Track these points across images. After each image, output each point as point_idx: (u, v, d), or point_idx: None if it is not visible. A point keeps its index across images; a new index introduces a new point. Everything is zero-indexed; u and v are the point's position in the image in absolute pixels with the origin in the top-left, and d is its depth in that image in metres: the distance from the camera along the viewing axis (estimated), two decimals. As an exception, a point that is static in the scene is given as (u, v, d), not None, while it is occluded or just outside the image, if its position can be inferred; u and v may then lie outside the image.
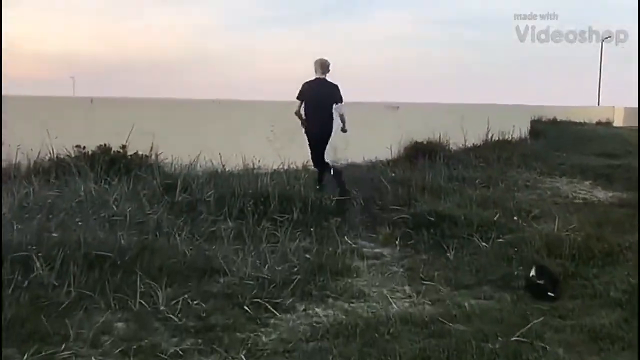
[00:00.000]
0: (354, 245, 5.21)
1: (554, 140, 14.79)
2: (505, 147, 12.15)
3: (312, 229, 5.44)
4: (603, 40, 36.93)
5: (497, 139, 12.65)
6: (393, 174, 8.28)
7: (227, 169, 7.78)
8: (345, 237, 5.35)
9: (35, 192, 5.66)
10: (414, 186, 7.36)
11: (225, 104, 8.44)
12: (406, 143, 10.10)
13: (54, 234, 4.55)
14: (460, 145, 11.25)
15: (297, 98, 7.15)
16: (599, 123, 25.37)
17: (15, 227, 4.55)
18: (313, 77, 7.18)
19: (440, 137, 10.50)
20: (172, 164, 7.43)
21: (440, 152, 9.94)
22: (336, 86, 7.15)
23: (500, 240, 5.37)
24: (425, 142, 10.22)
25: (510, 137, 13.33)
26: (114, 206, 5.36)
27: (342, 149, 9.23)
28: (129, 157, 7.27)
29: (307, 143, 7.34)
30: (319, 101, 7.06)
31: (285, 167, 8.46)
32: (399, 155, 9.89)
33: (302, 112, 7.14)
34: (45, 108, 7.45)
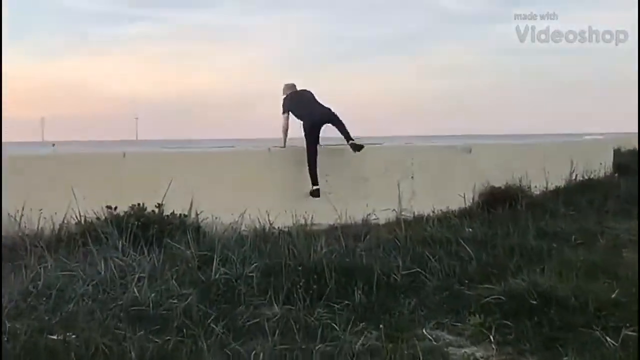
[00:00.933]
0: (435, 343, 4.00)
1: (646, 176, 13.08)
2: (592, 187, 10.64)
3: (380, 316, 4.30)
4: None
5: (581, 177, 11.17)
6: (470, 230, 7.03)
7: (276, 228, 6.79)
8: (424, 330, 4.17)
9: (48, 271, 4.77)
10: (499, 248, 6.11)
11: (277, 153, 7.46)
12: (481, 188, 8.83)
13: (53, 336, 3.61)
14: (542, 188, 9.85)
15: (284, 112, 7.84)
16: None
17: (7, 329, 3.64)
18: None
19: (520, 180, 9.16)
20: (213, 224, 6.50)
21: (521, 198, 8.62)
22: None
23: (630, 332, 4.04)
24: (502, 187, 8.91)
25: (596, 175, 11.79)
26: (135, 290, 4.39)
27: (407, 199, 8.12)
28: (165, 217, 6.37)
29: (310, 138, 7.58)
30: (309, 98, 7.91)
31: (342, 222, 7.40)
32: (474, 204, 8.62)
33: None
34: (76, 164, 6.66)
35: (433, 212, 8.06)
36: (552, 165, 10.29)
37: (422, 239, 6.46)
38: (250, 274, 4.86)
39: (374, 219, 7.54)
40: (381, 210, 7.71)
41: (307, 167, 7.62)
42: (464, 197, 8.57)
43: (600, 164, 11.79)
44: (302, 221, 6.93)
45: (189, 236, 5.53)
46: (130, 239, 5.65)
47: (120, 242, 5.55)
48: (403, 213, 7.90)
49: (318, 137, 7.75)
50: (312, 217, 6.98)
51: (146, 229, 6.02)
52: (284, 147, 7.79)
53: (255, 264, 5.03)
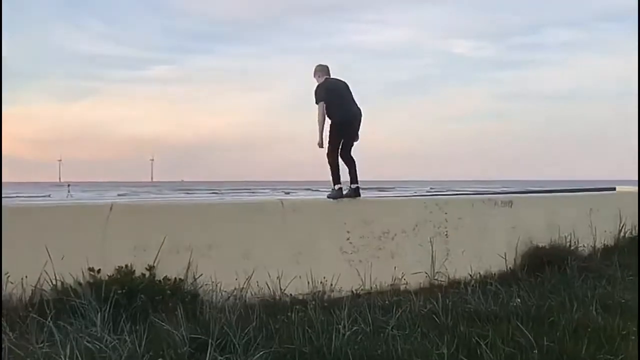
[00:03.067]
0: None
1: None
2: (643, 245, 9.47)
3: None
4: None
5: (630, 234, 9.99)
6: (519, 300, 5.91)
7: (289, 295, 5.73)
8: None
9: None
10: (559, 326, 4.99)
11: (290, 205, 6.43)
12: (524, 248, 7.71)
13: None
14: (590, 246, 8.70)
15: (320, 100, 6.79)
16: None
17: None
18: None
19: (567, 238, 8.04)
20: (213, 291, 5.46)
21: (570, 260, 7.48)
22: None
23: None
24: (548, 246, 7.80)
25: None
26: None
27: (441, 260, 7.03)
28: (156, 283, 5.36)
29: (336, 135, 6.80)
30: (345, 90, 7.00)
31: (367, 288, 6.32)
32: (516, 266, 7.49)
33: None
34: (54, 218, 5.68)
35: (470, 275, 6.95)
36: (598, 219, 9.16)
37: (465, 314, 5.37)
38: (254, 366, 3.79)
39: (404, 285, 6.45)
40: (412, 274, 6.63)
41: (329, 168, 6.84)
42: (505, 257, 7.46)
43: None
44: (320, 287, 5.88)
45: (180, 310, 4.47)
46: (110, 311, 4.64)
47: (99, 315, 4.54)
48: (436, 277, 6.80)
49: (345, 136, 6.90)
50: (331, 283, 5.93)
51: (132, 297, 5.02)
52: (321, 143, 6.75)
53: (262, 352, 3.96)
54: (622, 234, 9.80)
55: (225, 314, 4.64)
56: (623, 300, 6.17)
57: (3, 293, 5.00)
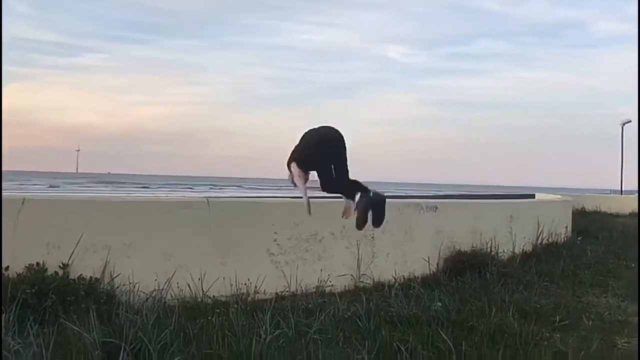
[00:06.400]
0: None
1: (607, 240, 12.57)
2: (559, 253, 9.92)
3: None
4: (623, 125, 35.82)
5: (547, 241, 10.46)
6: (439, 305, 6.02)
7: (210, 296, 5.59)
8: None
9: None
10: (478, 332, 5.11)
11: (218, 205, 6.26)
12: (447, 252, 7.89)
13: None
14: (510, 252, 9.02)
15: None
16: (632, 214, 23.17)
17: None
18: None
19: (488, 244, 8.30)
20: (131, 292, 5.23)
21: (490, 265, 7.72)
22: None
23: None
24: (469, 251, 8.01)
25: (560, 238, 11.14)
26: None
27: (367, 263, 7.07)
28: (70, 282, 5.07)
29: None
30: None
31: (292, 290, 6.27)
32: (439, 269, 7.65)
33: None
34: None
35: (395, 278, 7.03)
36: (517, 226, 9.52)
37: (387, 318, 5.41)
38: (169, 374, 3.64)
39: (329, 287, 6.44)
40: (337, 276, 6.63)
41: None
42: (429, 261, 7.60)
43: (566, 227, 11.16)
44: (244, 289, 5.76)
45: (92, 312, 4.24)
46: (16, 312, 4.35)
47: (3, 317, 4.24)
48: (362, 280, 6.83)
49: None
50: (255, 285, 5.82)
51: (42, 297, 4.73)
52: None
53: (178, 358, 3.81)
54: (539, 240, 10.25)
55: (142, 317, 4.45)
56: (538, 306, 6.41)
57: None
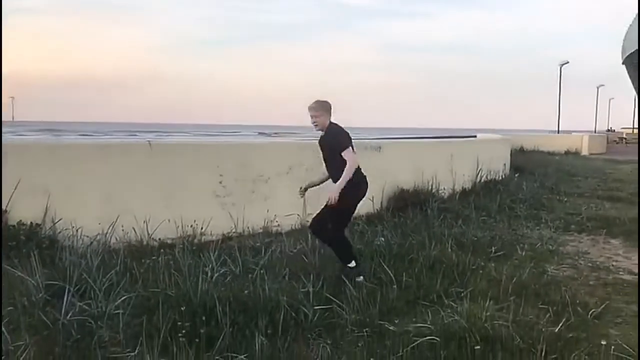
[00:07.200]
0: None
1: (542, 176, 13.17)
2: (496, 189, 10.35)
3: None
4: (561, 66, 36.83)
5: (485, 178, 10.87)
6: (382, 239, 6.24)
7: (157, 240, 5.59)
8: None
9: None
10: (418, 263, 5.35)
11: (161, 148, 6.17)
12: (391, 191, 8.10)
13: None
14: (450, 190, 9.34)
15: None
16: (567, 152, 24.28)
17: None
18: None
19: (429, 182, 8.56)
20: (74, 237, 5.17)
21: (431, 202, 8.00)
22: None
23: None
24: (412, 190, 8.25)
25: (501, 176, 11.60)
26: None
27: (314, 202, 7.17)
28: (10, 228, 4.97)
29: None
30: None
31: (239, 231, 6.33)
32: (383, 208, 7.87)
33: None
34: None
35: (340, 217, 7.18)
36: (458, 164, 9.83)
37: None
38: (116, 312, 3.67)
39: (276, 227, 6.53)
40: (284, 216, 6.72)
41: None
42: (373, 200, 7.78)
43: (504, 165, 11.59)
44: (190, 231, 5.79)
45: (34, 257, 4.19)
46: (-47, 259, 4.25)
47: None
48: (308, 219, 6.95)
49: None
50: (202, 227, 5.85)
51: (-20, 244, 4.61)
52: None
53: (124, 297, 3.84)
54: (478, 178, 10.63)
55: (86, 260, 4.43)
56: (475, 238, 6.74)
57: None
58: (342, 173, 4.76)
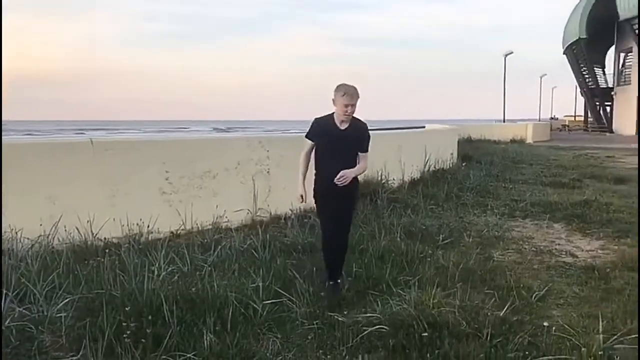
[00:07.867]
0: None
1: (488, 165, 13.52)
2: (445, 178, 10.56)
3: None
4: (506, 56, 37.79)
5: (434, 168, 11.07)
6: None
7: (101, 239, 5.45)
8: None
9: None
10: (368, 254, 5.41)
11: (103, 145, 5.99)
12: (340, 183, 8.12)
13: None
14: (400, 180, 9.47)
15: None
16: (513, 141, 24.98)
17: None
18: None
19: (379, 174, 8.65)
20: (14, 239, 4.97)
21: (381, 192, 8.10)
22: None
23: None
24: (362, 182, 8.28)
25: (449, 165, 11.83)
26: None
27: (263, 197, 7.16)
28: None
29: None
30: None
31: (187, 228, 6.24)
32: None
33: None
34: None
35: (291, 210, 7.17)
36: (406, 155, 9.97)
37: (284, 248, 5.57)
38: (58, 315, 3.56)
39: (226, 223, 6.47)
40: (234, 212, 6.66)
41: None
42: (323, 192, 7.81)
43: (452, 154, 11.82)
44: (137, 230, 5.66)
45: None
46: None
47: None
48: (258, 214, 6.92)
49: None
50: (148, 225, 5.73)
51: None
52: None
53: (66, 300, 3.73)
54: (427, 167, 10.82)
55: (25, 263, 4.28)
56: (424, 227, 6.85)
57: None
58: (345, 167, 4.44)
